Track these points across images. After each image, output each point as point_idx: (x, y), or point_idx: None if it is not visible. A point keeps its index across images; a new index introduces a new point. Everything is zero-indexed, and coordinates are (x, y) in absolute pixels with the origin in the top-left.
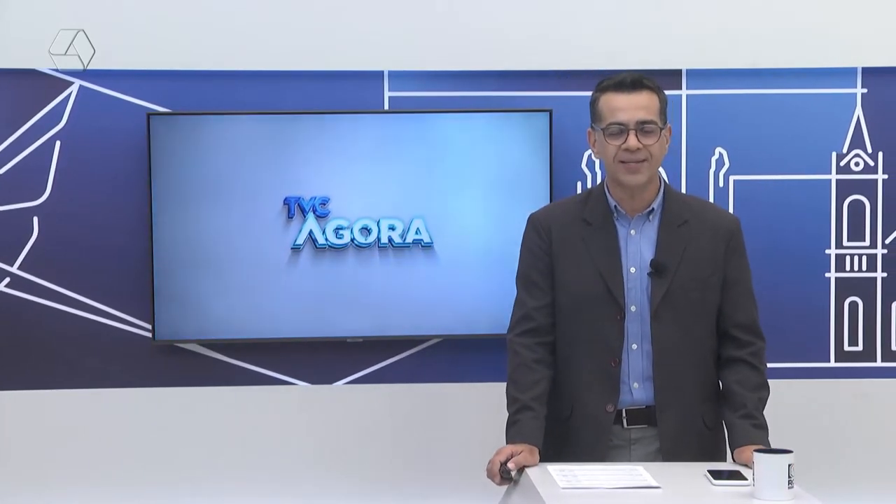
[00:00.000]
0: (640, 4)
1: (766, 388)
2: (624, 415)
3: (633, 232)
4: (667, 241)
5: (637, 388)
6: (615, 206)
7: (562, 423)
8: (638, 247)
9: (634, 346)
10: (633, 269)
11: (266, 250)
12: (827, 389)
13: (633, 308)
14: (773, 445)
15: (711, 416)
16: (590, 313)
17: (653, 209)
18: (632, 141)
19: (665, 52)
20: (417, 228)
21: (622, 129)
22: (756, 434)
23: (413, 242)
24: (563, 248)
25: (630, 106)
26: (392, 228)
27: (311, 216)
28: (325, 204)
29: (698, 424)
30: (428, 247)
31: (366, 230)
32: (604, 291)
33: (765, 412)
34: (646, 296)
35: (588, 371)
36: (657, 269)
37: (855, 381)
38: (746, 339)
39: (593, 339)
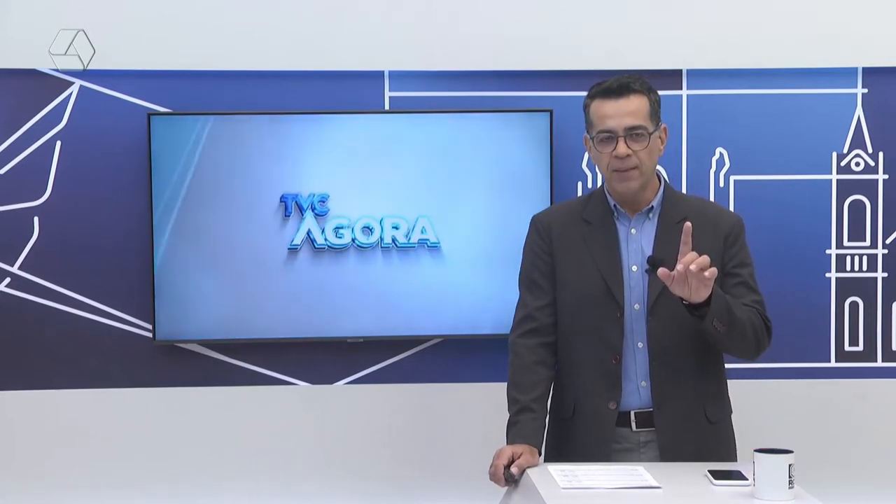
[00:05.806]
0: (640, 4)
1: (762, 326)
2: (632, 417)
3: (633, 231)
4: (665, 237)
5: (644, 387)
6: (615, 206)
7: (565, 422)
8: (639, 245)
9: (640, 345)
10: (634, 268)
11: (266, 250)
12: (827, 389)
13: (636, 306)
14: (775, 446)
15: (714, 410)
16: (590, 312)
17: (652, 207)
18: (621, 148)
19: (665, 52)
20: (422, 228)
21: (611, 137)
22: (717, 292)
23: (414, 242)
24: (564, 248)
25: (618, 112)
26: (395, 227)
27: (310, 215)
28: (323, 202)
29: (700, 419)
30: (429, 247)
31: (367, 229)
32: (603, 290)
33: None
34: (646, 293)
35: (589, 369)
36: (653, 265)
37: (855, 381)
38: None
39: (594, 337)
